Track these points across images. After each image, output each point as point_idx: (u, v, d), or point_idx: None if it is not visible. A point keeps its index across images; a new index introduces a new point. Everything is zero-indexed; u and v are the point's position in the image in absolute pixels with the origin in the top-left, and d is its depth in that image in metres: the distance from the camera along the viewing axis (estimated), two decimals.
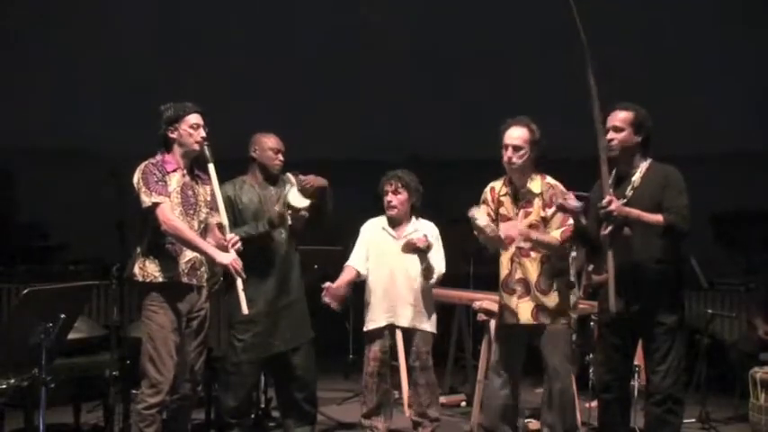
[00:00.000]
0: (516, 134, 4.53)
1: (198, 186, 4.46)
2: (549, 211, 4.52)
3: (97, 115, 9.12)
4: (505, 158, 4.53)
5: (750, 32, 8.90)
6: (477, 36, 9.56)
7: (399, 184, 5.10)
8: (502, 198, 4.65)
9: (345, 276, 5.11)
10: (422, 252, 4.94)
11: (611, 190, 4.18)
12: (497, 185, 4.70)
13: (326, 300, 4.98)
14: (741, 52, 9.10)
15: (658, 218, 4.14)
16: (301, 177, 4.95)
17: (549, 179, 4.60)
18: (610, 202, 4.08)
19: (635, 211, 4.13)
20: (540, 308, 4.57)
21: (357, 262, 5.17)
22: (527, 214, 4.57)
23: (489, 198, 4.68)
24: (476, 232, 4.51)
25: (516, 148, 4.51)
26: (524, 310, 4.59)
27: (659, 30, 9.29)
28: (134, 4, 9.54)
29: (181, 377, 4.38)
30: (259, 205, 4.94)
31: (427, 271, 5.01)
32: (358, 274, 5.14)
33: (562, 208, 4.38)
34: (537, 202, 4.55)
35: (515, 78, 9.21)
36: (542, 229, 4.53)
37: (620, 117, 4.28)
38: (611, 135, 4.30)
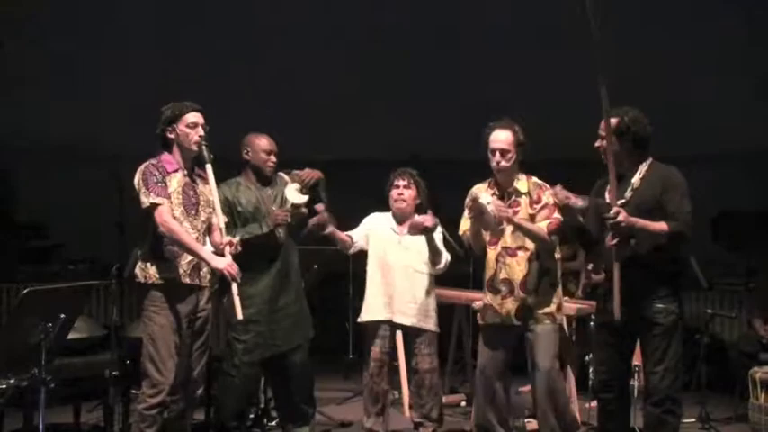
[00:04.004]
0: (502, 137, 4.59)
1: (199, 186, 4.45)
2: (537, 207, 4.58)
3: (97, 115, 9.08)
4: (494, 163, 4.59)
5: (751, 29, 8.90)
6: (478, 36, 9.54)
7: (411, 180, 5.14)
8: None
9: (341, 234, 5.11)
10: (428, 232, 4.95)
11: (617, 200, 4.15)
12: (482, 188, 4.73)
13: (312, 221, 4.96)
14: (741, 50, 9.08)
15: (663, 226, 4.13)
16: (297, 173, 4.97)
17: (535, 179, 4.66)
18: (618, 213, 4.07)
19: (640, 221, 4.13)
20: (523, 308, 4.59)
21: (354, 234, 5.19)
22: (515, 213, 4.59)
23: None
24: (470, 220, 4.53)
25: (503, 152, 4.57)
26: (508, 311, 4.61)
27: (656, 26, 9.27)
28: (135, 3, 9.52)
29: (181, 378, 4.38)
30: (258, 206, 4.94)
31: (435, 255, 5.04)
32: (351, 240, 5.15)
33: (567, 206, 4.39)
34: (524, 200, 4.61)
35: (516, 79, 9.18)
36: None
37: (602, 126, 4.26)
38: (597, 143, 4.31)
